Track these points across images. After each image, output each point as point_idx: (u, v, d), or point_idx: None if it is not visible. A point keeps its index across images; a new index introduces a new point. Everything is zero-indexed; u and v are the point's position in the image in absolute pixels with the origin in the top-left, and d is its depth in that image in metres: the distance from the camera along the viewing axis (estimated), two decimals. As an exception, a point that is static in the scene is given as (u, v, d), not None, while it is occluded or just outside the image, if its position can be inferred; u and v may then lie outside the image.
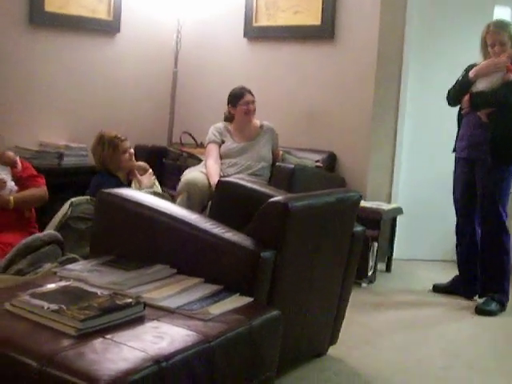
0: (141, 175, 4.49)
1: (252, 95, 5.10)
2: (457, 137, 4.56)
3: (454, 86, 4.46)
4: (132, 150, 4.47)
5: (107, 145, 4.35)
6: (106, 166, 4.38)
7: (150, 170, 4.60)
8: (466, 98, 4.37)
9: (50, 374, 1.89)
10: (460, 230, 4.61)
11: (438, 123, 5.35)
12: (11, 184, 4.03)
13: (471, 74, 4.35)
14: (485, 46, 4.38)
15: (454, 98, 4.47)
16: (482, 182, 4.38)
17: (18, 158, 4.19)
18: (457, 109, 4.54)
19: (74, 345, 2.02)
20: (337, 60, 5.50)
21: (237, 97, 5.09)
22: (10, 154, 4.19)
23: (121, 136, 4.42)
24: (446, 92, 4.49)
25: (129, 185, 4.41)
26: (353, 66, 5.41)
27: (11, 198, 3.96)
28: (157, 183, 4.60)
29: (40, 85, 5.23)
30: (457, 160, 4.57)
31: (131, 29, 5.79)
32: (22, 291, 2.38)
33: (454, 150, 4.57)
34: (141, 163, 4.60)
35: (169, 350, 2.05)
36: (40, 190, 4.15)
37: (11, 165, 4.11)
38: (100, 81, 5.66)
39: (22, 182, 4.10)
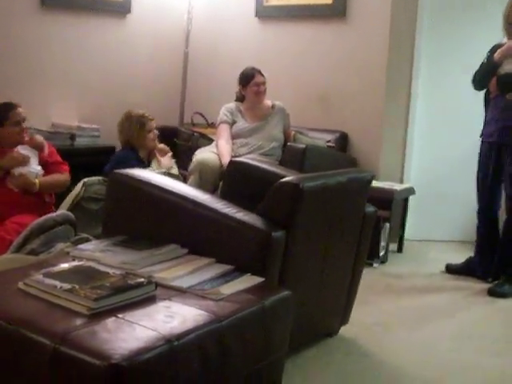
0: (161, 157, 4.54)
1: (263, 76, 5.09)
2: (485, 119, 4.48)
3: (479, 70, 4.37)
4: (156, 132, 4.53)
5: (135, 122, 4.46)
6: (130, 142, 4.46)
7: (170, 153, 4.66)
8: (493, 81, 4.30)
9: (63, 352, 1.91)
10: (482, 213, 4.57)
11: (451, 102, 5.31)
12: (38, 168, 4.08)
13: (496, 56, 4.26)
14: (508, 23, 4.27)
15: (480, 81, 4.39)
16: (510, 165, 4.33)
17: (45, 143, 4.23)
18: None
19: (86, 324, 2.04)
20: (349, 39, 5.46)
21: (247, 77, 5.07)
22: (39, 137, 4.25)
23: (148, 115, 4.51)
24: (472, 76, 4.41)
25: (149, 164, 4.46)
26: (365, 44, 5.38)
27: (37, 181, 4.01)
28: (175, 166, 4.63)
29: (52, 66, 5.23)
30: (483, 143, 4.48)
31: (142, 9, 5.77)
32: (35, 271, 2.40)
33: (482, 136, 4.50)
34: (162, 145, 4.68)
35: (180, 330, 2.06)
36: (64, 176, 4.21)
37: (39, 149, 4.15)
38: (111, 62, 5.66)
39: (47, 166, 4.15)
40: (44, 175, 4.11)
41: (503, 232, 4.44)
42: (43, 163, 4.15)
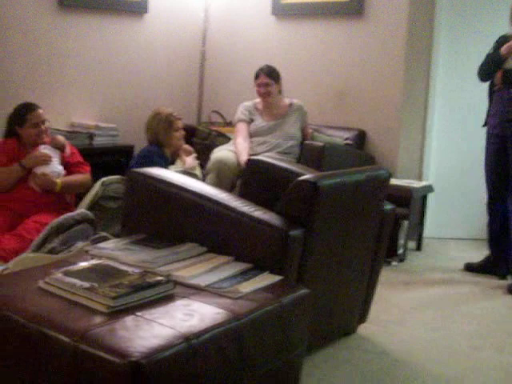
0: (185, 156, 4.57)
1: (268, 77, 5.03)
2: (488, 112, 4.50)
3: (485, 62, 4.39)
4: (183, 131, 4.55)
5: (163, 120, 4.47)
6: (157, 140, 4.47)
7: (195, 154, 4.68)
8: (499, 74, 4.30)
9: (83, 350, 1.92)
10: (491, 208, 4.57)
11: (470, 99, 5.29)
12: (60, 168, 4.12)
13: (503, 50, 4.26)
14: None
15: (485, 73, 4.40)
16: None
17: (67, 143, 4.27)
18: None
19: (105, 322, 2.06)
20: (366, 36, 5.45)
21: (255, 76, 5.07)
22: (61, 138, 4.30)
23: (176, 114, 4.53)
24: (478, 67, 4.42)
25: (173, 163, 4.50)
26: (382, 42, 5.36)
27: (59, 181, 4.05)
28: (199, 167, 4.65)
29: (70, 66, 5.26)
30: (488, 136, 4.52)
31: (159, 9, 5.79)
32: (55, 269, 2.42)
33: (485, 125, 4.52)
34: (187, 146, 4.71)
35: (199, 328, 2.07)
36: (85, 176, 4.25)
37: (61, 149, 4.19)
38: (129, 61, 5.68)
39: (68, 166, 4.19)
40: (65, 175, 4.14)
41: None
42: (65, 163, 4.19)
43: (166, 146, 4.48)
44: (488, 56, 4.38)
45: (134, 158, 4.46)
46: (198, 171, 4.60)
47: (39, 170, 4.04)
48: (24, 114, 4.08)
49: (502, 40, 4.33)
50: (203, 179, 4.60)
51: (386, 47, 5.34)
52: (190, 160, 4.57)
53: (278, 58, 5.52)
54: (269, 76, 5.03)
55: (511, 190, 4.40)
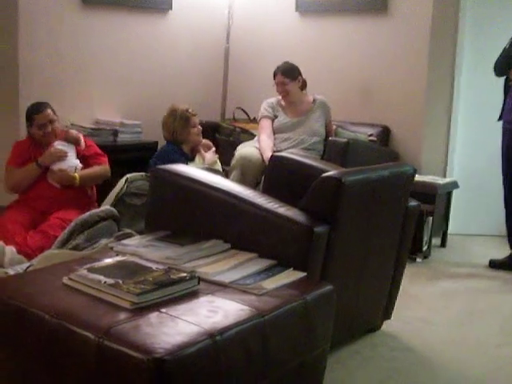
0: (204, 152, 4.56)
1: (284, 76, 5.01)
2: (503, 107, 4.47)
3: (500, 57, 4.38)
4: (200, 127, 4.54)
5: (179, 117, 4.46)
6: (175, 137, 4.47)
7: (214, 148, 4.67)
8: None
9: (107, 346, 1.93)
10: (509, 203, 4.53)
11: (495, 95, 5.21)
12: (76, 162, 4.14)
13: None
14: None
15: (500, 69, 4.40)
16: None
17: (81, 136, 4.29)
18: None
19: (129, 318, 2.06)
20: (390, 32, 5.42)
21: (273, 75, 5.06)
22: (74, 132, 4.31)
23: (192, 110, 4.52)
24: (494, 62, 4.40)
25: (193, 159, 4.50)
26: (406, 38, 5.33)
27: (76, 175, 4.08)
28: (218, 161, 4.64)
29: (95, 63, 5.28)
30: (504, 131, 4.49)
31: (183, 6, 5.80)
32: (80, 266, 2.43)
33: (500, 119, 4.48)
34: (206, 141, 4.69)
35: (223, 324, 2.07)
36: (103, 167, 4.27)
37: (75, 143, 4.21)
38: (153, 58, 5.70)
39: (85, 159, 4.21)
40: (83, 168, 4.16)
41: None
42: (81, 157, 4.20)
43: (184, 142, 4.48)
44: (504, 51, 4.36)
45: (153, 157, 4.45)
46: (218, 166, 4.59)
47: (56, 166, 4.07)
48: (31, 114, 4.11)
49: None
50: (226, 175, 4.59)
51: (410, 43, 5.30)
52: (210, 155, 4.56)
53: (302, 54, 5.50)
54: (284, 75, 5.01)
55: None
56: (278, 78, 5.02)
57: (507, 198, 4.56)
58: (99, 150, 4.33)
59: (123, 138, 5.25)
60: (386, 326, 3.44)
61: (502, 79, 4.49)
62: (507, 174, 4.53)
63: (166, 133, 4.52)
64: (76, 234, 3.48)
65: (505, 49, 4.37)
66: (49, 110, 4.12)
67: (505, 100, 4.47)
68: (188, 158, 4.44)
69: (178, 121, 4.45)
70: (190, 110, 4.51)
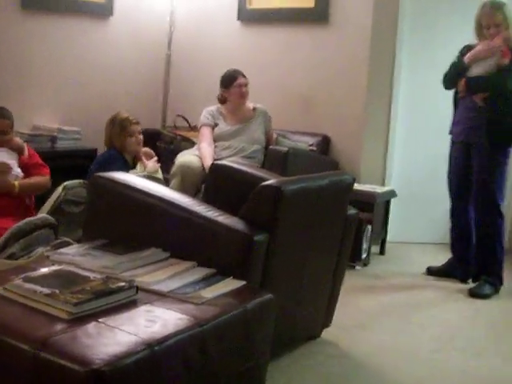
0: (146, 160, 4.54)
1: (245, 78, 5.08)
2: (453, 119, 4.55)
3: (449, 70, 4.44)
4: (140, 136, 4.54)
5: (117, 124, 4.47)
6: (112, 144, 4.48)
7: (156, 157, 4.66)
8: (462, 82, 4.35)
9: (44, 358, 1.89)
10: (454, 213, 4.62)
11: (432, 105, 5.34)
12: (17, 170, 4.07)
13: (467, 59, 4.33)
14: (479, 27, 4.35)
15: (449, 81, 4.46)
16: (479, 165, 4.38)
17: (25, 145, 4.21)
18: (452, 91, 4.53)
19: (67, 329, 2.02)
20: (331, 43, 5.48)
21: (230, 79, 5.07)
22: (19, 140, 4.24)
23: (133, 119, 4.52)
24: (442, 75, 4.47)
25: (134, 167, 4.48)
26: (347, 48, 5.40)
27: (16, 183, 4.01)
28: (160, 170, 4.62)
29: (33, 68, 5.20)
30: (453, 143, 4.57)
31: (124, 12, 5.76)
32: (15, 275, 2.38)
33: (451, 133, 4.57)
34: (147, 149, 4.68)
35: (161, 334, 2.05)
36: (44, 178, 4.21)
37: (19, 151, 4.13)
38: (94, 64, 5.64)
39: (27, 169, 4.14)
40: (24, 178, 4.09)
41: (476, 233, 4.48)
42: (23, 166, 4.13)
43: (123, 151, 4.46)
44: (452, 65, 4.44)
45: (94, 163, 4.42)
46: (159, 174, 4.57)
47: None
48: None
49: (466, 49, 4.41)
50: (167, 183, 4.57)
51: (351, 54, 5.37)
52: (151, 164, 4.54)
53: (244, 63, 5.51)
54: (244, 77, 5.07)
55: (474, 196, 4.46)
56: (241, 80, 5.06)
57: (453, 209, 4.63)
58: (41, 161, 4.27)
59: (62, 144, 5.17)
60: (326, 333, 3.46)
61: (444, 90, 4.54)
62: (454, 186, 4.59)
63: (105, 139, 4.50)
64: (11, 243, 3.40)
65: (453, 63, 4.44)
66: (6, 120, 4.05)
67: (455, 113, 4.54)
68: (129, 166, 4.41)
69: (115, 128, 4.47)
70: (130, 119, 4.49)
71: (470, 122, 4.38)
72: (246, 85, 5.08)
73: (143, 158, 4.55)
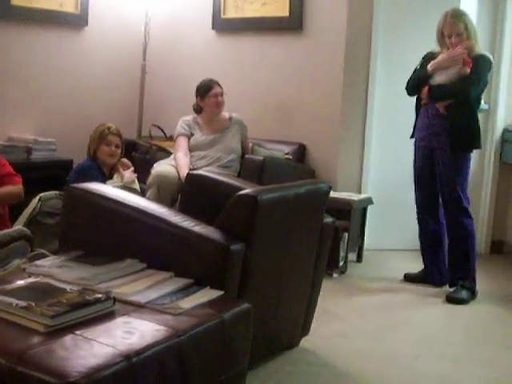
0: (123, 171, 4.54)
1: (220, 87, 5.09)
2: (415, 125, 4.62)
3: (412, 77, 4.52)
4: (117, 150, 4.55)
5: (98, 131, 4.52)
6: (90, 151, 4.51)
7: (132, 168, 4.65)
8: (425, 90, 4.42)
9: (20, 371, 1.87)
10: (422, 219, 4.68)
11: (407, 113, 5.33)
12: None
13: (429, 67, 4.39)
14: (441, 35, 4.42)
15: (412, 89, 4.54)
16: (442, 169, 4.45)
17: None
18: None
19: (43, 342, 2.01)
20: (305, 51, 5.51)
21: (205, 89, 5.07)
22: None
23: (113, 130, 4.55)
24: (406, 82, 4.53)
25: (111, 177, 4.48)
26: (321, 57, 5.42)
27: None
28: (136, 181, 4.61)
29: (7, 79, 5.17)
30: (416, 149, 4.64)
31: (99, 22, 5.74)
32: (-10, 288, 2.36)
33: (412, 136, 4.63)
34: (124, 160, 4.69)
35: (139, 345, 2.04)
36: (17, 187, 4.15)
37: None
38: (68, 75, 5.62)
39: None
40: None
41: (448, 236, 4.53)
42: None
43: (96, 158, 4.48)
44: (415, 71, 4.51)
45: (71, 173, 4.41)
46: (136, 185, 4.56)
47: None
48: None
49: (429, 56, 4.48)
50: (143, 194, 4.56)
51: (325, 62, 5.40)
52: (128, 174, 4.53)
53: (219, 72, 5.52)
54: (220, 86, 5.07)
55: (442, 201, 4.50)
56: (217, 89, 5.06)
57: (419, 216, 4.68)
58: (13, 170, 4.23)
59: (37, 155, 5.14)
60: (305, 342, 3.46)
61: (413, 98, 4.61)
62: (420, 190, 4.64)
63: (88, 146, 4.55)
64: (-14, 255, 3.37)
65: (416, 69, 4.52)
66: None
67: (417, 118, 4.61)
68: (106, 176, 4.39)
69: (95, 133, 4.53)
70: (111, 128, 4.52)
71: (433, 128, 4.45)
72: (221, 94, 5.08)
73: (120, 169, 4.55)
